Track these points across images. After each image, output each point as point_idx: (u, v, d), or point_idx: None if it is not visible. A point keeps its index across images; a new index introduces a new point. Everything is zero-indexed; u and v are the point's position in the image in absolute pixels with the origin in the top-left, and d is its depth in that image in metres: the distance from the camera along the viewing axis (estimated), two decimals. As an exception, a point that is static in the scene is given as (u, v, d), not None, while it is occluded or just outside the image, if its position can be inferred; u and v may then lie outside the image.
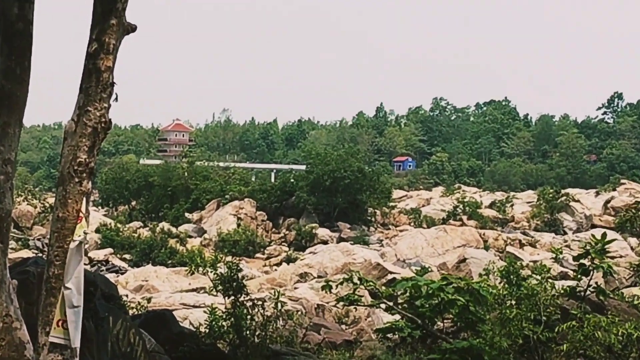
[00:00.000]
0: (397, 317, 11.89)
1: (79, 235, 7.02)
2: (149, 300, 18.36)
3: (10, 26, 6.74)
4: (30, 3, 6.81)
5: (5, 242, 6.92)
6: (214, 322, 11.39)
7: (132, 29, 7.33)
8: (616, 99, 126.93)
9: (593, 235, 11.44)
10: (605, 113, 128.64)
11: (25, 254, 35.95)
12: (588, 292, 11.17)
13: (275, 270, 43.08)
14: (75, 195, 7.00)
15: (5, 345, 6.69)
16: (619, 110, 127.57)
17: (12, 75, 6.79)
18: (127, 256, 48.59)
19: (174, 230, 56.84)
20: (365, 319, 20.05)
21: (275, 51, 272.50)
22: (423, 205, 73.08)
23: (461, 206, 65.31)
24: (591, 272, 10.81)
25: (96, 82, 7.03)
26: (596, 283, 11.21)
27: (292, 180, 65.07)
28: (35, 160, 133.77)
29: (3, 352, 6.67)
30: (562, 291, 11.28)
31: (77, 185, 7.00)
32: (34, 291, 8.51)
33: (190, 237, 56.72)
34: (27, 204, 58.94)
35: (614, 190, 73.86)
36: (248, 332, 10.80)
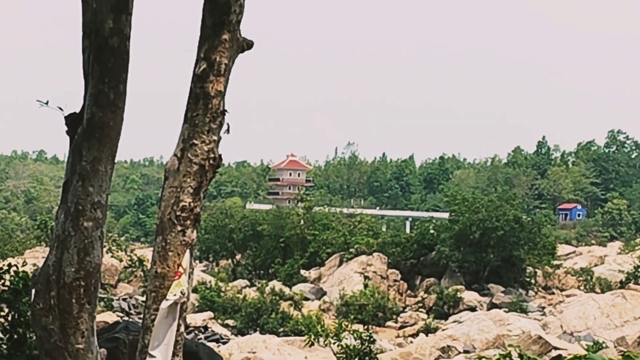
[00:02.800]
0: None
1: (174, 295, 7.07)
2: None
3: (104, 42, 6.92)
4: (127, 15, 7.01)
5: (93, 302, 7.14)
6: None
7: (248, 45, 7.37)
8: None
9: None
10: None
11: (109, 316, 37.33)
12: None
13: (411, 342, 43.80)
14: (177, 246, 7.09)
15: None
16: None
17: (105, 101, 6.94)
18: (229, 322, 50.22)
19: (287, 290, 58.33)
20: None
21: (412, 74, 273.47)
22: (596, 265, 72.73)
23: None
24: None
25: (204, 109, 7.08)
26: None
27: (432, 231, 65.68)
28: (121, 204, 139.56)
29: None
30: None
31: (179, 235, 7.08)
32: None
33: (307, 299, 58.23)
34: (112, 257, 61.02)
35: None
36: None
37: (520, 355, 12.25)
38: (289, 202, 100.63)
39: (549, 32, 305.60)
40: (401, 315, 54.80)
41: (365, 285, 56.91)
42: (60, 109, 7.26)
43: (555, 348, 33.84)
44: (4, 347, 10.33)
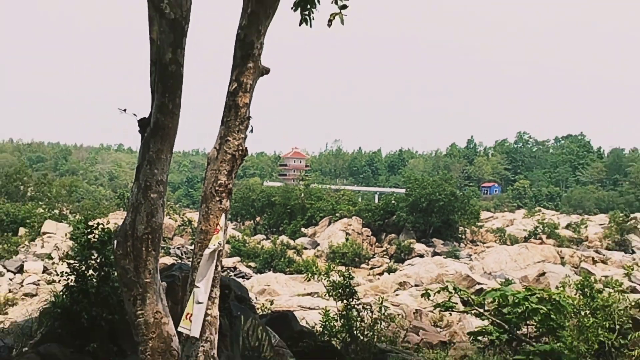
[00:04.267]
0: (486, 322, 12.46)
1: (214, 245, 7.16)
2: (271, 302, 18.92)
3: (165, 68, 6.85)
4: (181, 49, 6.93)
5: (157, 250, 7.13)
6: (327, 322, 11.68)
7: (266, 71, 7.40)
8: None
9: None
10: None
11: (167, 260, 37.39)
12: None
13: (378, 279, 43.20)
14: (215, 211, 7.20)
15: (155, 337, 6.94)
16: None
17: (165, 109, 6.91)
18: (251, 264, 49.77)
19: (291, 242, 57.78)
20: (457, 323, 20.11)
21: (381, 86, 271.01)
22: (507, 226, 72.21)
23: (541, 227, 64.95)
24: None
25: (235, 116, 7.18)
26: None
27: (393, 201, 65.50)
28: (175, 181, 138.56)
29: (154, 343, 6.94)
30: (633, 303, 11.61)
31: (217, 203, 7.19)
32: (178, 292, 8.92)
33: (306, 248, 57.46)
34: (169, 218, 61.02)
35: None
36: (358, 332, 11.04)
37: (454, 288, 12.63)
38: (294, 181, 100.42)
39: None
40: (371, 260, 54.54)
41: (347, 239, 57.17)
42: (135, 115, 7.21)
43: (479, 283, 33.73)
44: (95, 281, 10.29)
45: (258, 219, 72.71)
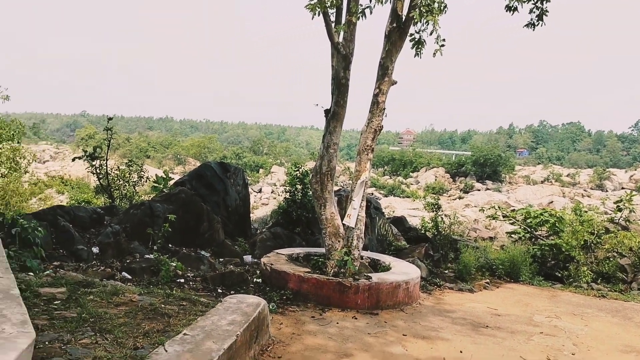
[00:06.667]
0: (516, 227, 13.92)
1: (363, 178, 7.90)
2: (393, 211, 22.23)
3: (339, 82, 7.90)
4: (348, 71, 7.92)
5: (332, 180, 8.13)
6: (423, 224, 12.84)
7: (395, 82, 8.06)
8: None
9: (625, 192, 13.46)
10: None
11: (335, 187, 45.62)
12: (620, 220, 12.91)
13: (453, 201, 53.49)
14: (365, 160, 8.06)
15: (330, 226, 8.02)
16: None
17: (339, 104, 8.00)
18: (381, 192, 61.14)
19: (404, 180, 70.75)
20: (499, 227, 22.46)
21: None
22: (531, 174, 79.26)
23: (551, 175, 74.72)
24: (622, 210, 12.69)
25: (376, 107, 8.02)
26: (625, 216, 12.81)
27: (463, 159, 76.93)
28: (342, 146, 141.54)
29: (330, 229, 7.96)
30: (605, 219, 13.09)
31: (366, 155, 8.05)
32: (343, 203, 10.17)
33: (412, 184, 69.38)
34: (338, 165, 69.84)
35: (636, 169, 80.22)
36: (441, 229, 12.06)
37: (499, 207, 14.38)
38: (406, 147, 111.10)
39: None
40: (449, 191, 64.12)
41: (435, 179, 70.32)
42: (322, 107, 8.16)
43: (511, 205, 43.01)
44: (299, 195, 11.50)
45: (385, 167, 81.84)
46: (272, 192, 56.19)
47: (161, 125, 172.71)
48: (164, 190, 11.11)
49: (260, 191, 57.42)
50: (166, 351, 3.96)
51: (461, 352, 5.99)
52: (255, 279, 8.36)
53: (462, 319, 7.55)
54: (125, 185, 13.91)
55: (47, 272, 6.69)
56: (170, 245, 9.47)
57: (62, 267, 7.48)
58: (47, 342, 3.99)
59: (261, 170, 73.59)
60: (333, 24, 7.83)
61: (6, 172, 18.83)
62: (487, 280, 10.57)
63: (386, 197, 56.35)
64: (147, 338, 4.29)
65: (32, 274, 6.33)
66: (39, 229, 7.61)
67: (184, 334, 4.38)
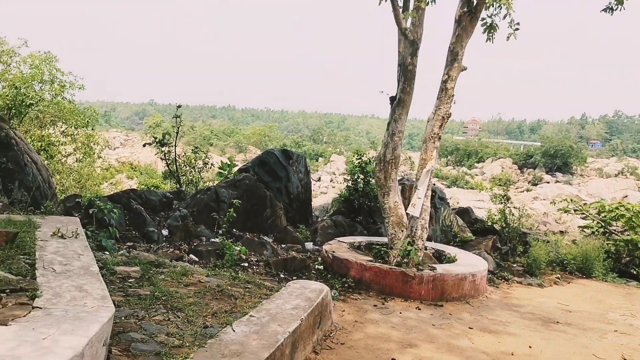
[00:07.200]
0: (589, 221, 13.30)
1: (429, 166, 7.91)
2: (457, 202, 21.26)
3: (406, 68, 7.89)
4: (415, 57, 7.89)
5: (396, 168, 8.11)
6: (490, 215, 12.62)
7: (465, 68, 7.99)
8: None
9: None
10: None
11: (398, 176, 46.25)
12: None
13: (521, 194, 52.54)
14: (431, 148, 8.05)
15: (393, 215, 8.01)
16: None
17: (405, 91, 7.98)
18: (444, 182, 59.83)
19: (468, 171, 69.20)
20: (570, 221, 21.72)
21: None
22: (604, 167, 75.47)
23: (626, 168, 70.26)
24: None
25: (445, 95, 7.98)
26: None
27: (532, 149, 73.46)
28: (405, 135, 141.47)
29: (393, 218, 7.98)
30: None
31: (432, 143, 8.04)
32: (406, 192, 10.11)
33: (477, 175, 67.71)
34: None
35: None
36: (510, 221, 11.74)
37: (571, 200, 13.64)
38: (472, 137, 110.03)
39: None
40: (516, 183, 62.11)
41: (502, 171, 68.27)
42: (387, 94, 8.15)
43: (583, 199, 38.93)
44: (361, 184, 11.52)
45: (449, 157, 79.62)
46: (331, 181, 57.24)
47: (223, 113, 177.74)
48: (229, 176, 11.39)
49: (319, 180, 58.58)
50: (234, 331, 4.12)
51: (530, 347, 5.91)
52: (316, 266, 8.48)
53: (531, 313, 7.38)
54: (191, 171, 14.37)
55: (122, 251, 7.06)
56: (234, 230, 9.73)
57: (135, 248, 7.85)
58: (123, 318, 4.28)
59: (320, 159, 74.76)
60: (401, 9, 7.85)
61: (81, 157, 19.97)
62: (558, 275, 10.22)
63: (449, 188, 55.58)
64: (215, 317, 4.49)
65: (107, 253, 6.70)
66: (114, 210, 7.98)
67: (250, 316, 4.56)
